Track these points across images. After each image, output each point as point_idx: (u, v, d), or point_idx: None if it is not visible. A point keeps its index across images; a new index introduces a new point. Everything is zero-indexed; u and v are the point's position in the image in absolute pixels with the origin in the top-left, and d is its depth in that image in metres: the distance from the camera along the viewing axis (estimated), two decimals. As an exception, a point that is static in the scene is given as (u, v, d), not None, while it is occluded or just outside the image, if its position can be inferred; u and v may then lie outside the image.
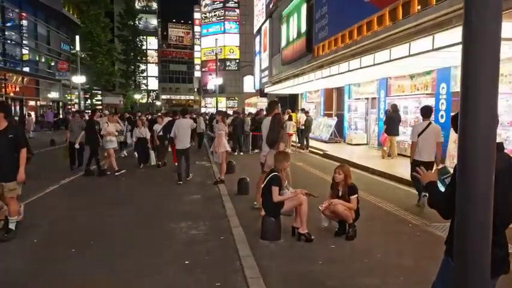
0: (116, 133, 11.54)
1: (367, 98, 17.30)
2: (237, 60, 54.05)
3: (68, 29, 36.01)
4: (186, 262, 4.66)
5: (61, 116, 33.89)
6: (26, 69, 30.96)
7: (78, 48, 28.43)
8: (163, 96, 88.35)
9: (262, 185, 5.59)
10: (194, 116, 20.44)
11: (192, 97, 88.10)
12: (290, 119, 17.40)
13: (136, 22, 51.88)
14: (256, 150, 17.09)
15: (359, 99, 17.98)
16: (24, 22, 30.85)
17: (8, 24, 29.34)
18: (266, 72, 30.62)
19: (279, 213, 5.40)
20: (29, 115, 26.16)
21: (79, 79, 27.01)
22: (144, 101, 70.66)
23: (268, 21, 29.23)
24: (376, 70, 11.70)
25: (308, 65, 17.79)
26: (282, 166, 5.55)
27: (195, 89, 77.94)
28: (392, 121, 12.28)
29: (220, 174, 9.70)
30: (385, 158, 13.15)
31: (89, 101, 36.96)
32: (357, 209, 5.52)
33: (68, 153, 11.55)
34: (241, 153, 16.50)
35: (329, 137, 18.99)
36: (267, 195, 5.42)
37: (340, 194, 5.55)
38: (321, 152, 15.89)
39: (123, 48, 49.61)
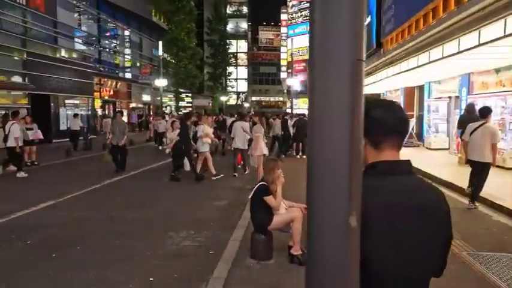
0: (213, 136, 10.90)
1: (450, 97, 15.27)
2: (323, 60, 52.61)
3: (159, 35, 38.26)
4: (151, 279, 4.21)
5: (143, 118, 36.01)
6: (128, 75, 33.46)
7: (160, 53, 29.95)
8: (253, 98, 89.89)
9: (250, 196, 4.90)
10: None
11: (281, 98, 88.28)
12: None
13: (226, 26, 53.48)
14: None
15: (440, 98, 15.96)
16: (119, 31, 33.45)
17: (107, 34, 32.11)
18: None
19: (267, 230, 4.68)
20: (105, 116, 25.92)
21: (161, 82, 28.38)
22: (233, 102, 72.75)
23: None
24: (453, 64, 10.06)
25: (378, 61, 16.27)
26: (272, 176, 4.77)
27: (285, 91, 77.98)
28: (467, 124, 10.49)
29: (257, 179, 9.11)
30: (462, 166, 11.38)
31: (175, 103, 38.74)
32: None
33: (111, 156, 11.43)
34: (297, 156, 15.67)
35: (407, 140, 17.19)
36: (254, 210, 4.73)
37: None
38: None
39: (211, 52, 51.44)
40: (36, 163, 12.79)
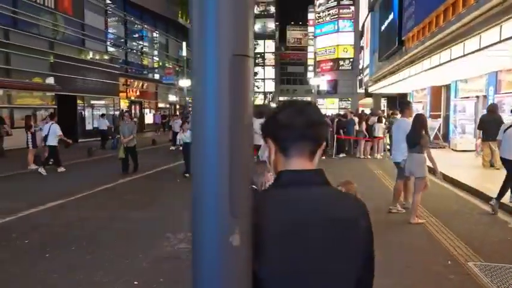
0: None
1: (477, 97, 14.60)
2: (351, 59, 51.79)
3: (185, 36, 38.69)
4: (135, 283, 4.14)
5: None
6: (155, 75, 34.01)
7: (184, 53, 30.24)
8: (281, 98, 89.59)
9: None
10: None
11: (309, 98, 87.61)
12: (380, 120, 15.72)
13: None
14: (341, 155, 15.88)
15: (467, 98, 15.29)
16: (145, 33, 34.05)
17: (134, 36, 32.75)
18: (367, 71, 28.49)
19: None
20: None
21: (185, 82, 28.65)
22: (260, 102, 72.79)
23: (370, 15, 27.10)
24: (477, 62, 9.57)
25: (400, 60, 15.76)
26: (262, 180, 4.59)
27: (312, 90, 77.35)
28: (488, 124, 10.00)
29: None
30: (487, 168, 10.87)
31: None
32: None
33: (124, 155, 11.25)
34: (323, 158, 15.44)
35: (432, 141, 16.58)
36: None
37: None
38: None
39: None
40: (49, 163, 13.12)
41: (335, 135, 16.01)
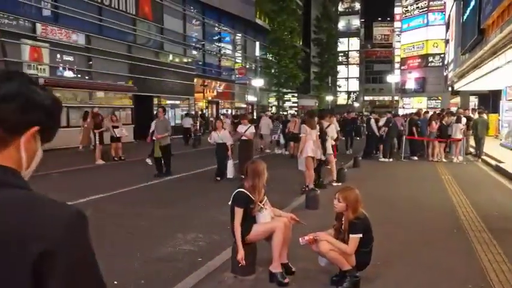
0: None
1: None
2: (442, 55, 47.83)
3: (263, 36, 38.95)
4: (115, 282, 4.00)
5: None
6: (231, 76, 34.84)
7: (257, 53, 30.31)
8: (366, 98, 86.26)
9: (229, 202, 4.35)
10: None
11: (396, 98, 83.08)
12: (458, 120, 14.12)
13: (334, 25, 52.22)
14: (414, 157, 14.57)
15: None
16: (223, 34, 34.89)
17: (213, 38, 33.76)
18: (452, 66, 25.85)
19: (248, 241, 4.11)
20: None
21: (257, 82, 28.72)
22: (343, 102, 70.73)
23: (454, 4, 24.55)
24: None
25: (481, 51, 13.90)
26: (258, 183, 4.12)
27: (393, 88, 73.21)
28: None
29: (306, 181, 8.52)
30: None
31: (276, 103, 39.00)
32: (363, 253, 3.72)
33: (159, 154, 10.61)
34: (391, 160, 14.27)
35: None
36: (232, 219, 4.19)
37: (342, 228, 3.89)
38: (494, 164, 12.22)
39: (318, 51, 50.66)
40: (123, 158, 13.88)
41: (403, 136, 14.79)
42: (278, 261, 3.93)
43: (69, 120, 17.15)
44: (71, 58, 18.12)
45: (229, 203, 4.19)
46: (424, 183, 9.85)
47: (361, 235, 3.66)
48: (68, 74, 17.61)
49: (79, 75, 18.37)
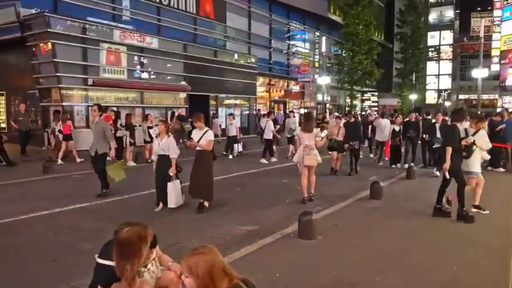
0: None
1: None
2: (553, 46, 41.13)
3: (337, 32, 36.78)
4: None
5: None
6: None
7: (324, 49, 28.39)
8: (461, 96, 78.34)
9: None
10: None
11: (496, 96, 74.23)
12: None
13: (421, 17, 47.84)
14: (500, 169, 11.86)
15: None
16: (292, 31, 33.49)
17: (281, 35, 32.58)
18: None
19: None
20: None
21: (323, 80, 26.85)
22: (433, 101, 64.94)
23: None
24: None
25: None
26: (127, 266, 2.71)
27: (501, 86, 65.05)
28: None
29: (311, 190, 7.94)
30: None
31: (350, 102, 36.49)
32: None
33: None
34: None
35: None
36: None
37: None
38: None
39: (401, 46, 46.79)
40: (150, 161, 13.32)
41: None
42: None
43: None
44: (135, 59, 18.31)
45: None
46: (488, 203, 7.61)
47: None
48: (118, 74, 17.65)
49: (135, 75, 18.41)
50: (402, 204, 7.71)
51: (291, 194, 8.45)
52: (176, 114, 18.74)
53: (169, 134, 7.16)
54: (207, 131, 6.99)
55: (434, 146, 10.81)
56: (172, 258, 3.14)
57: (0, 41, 15.95)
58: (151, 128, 13.22)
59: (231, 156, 14.67)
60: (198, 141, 6.90)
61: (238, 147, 14.80)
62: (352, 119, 12.50)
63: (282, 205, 7.61)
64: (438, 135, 9.99)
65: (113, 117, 12.81)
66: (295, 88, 33.67)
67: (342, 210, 7.17)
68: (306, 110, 30.25)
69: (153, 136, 13.18)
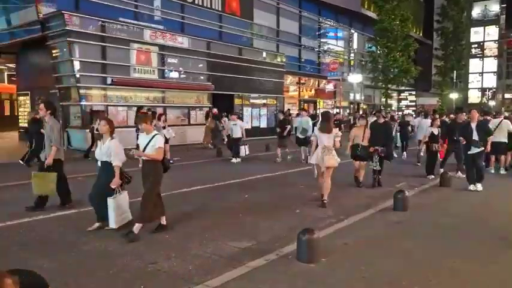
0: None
1: None
2: None
3: (372, 28, 35.17)
4: None
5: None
6: (332, 73, 32.18)
7: (355, 45, 27.01)
8: (507, 95, 73.91)
9: None
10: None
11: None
12: None
13: (463, 12, 45.12)
14: None
15: None
16: (323, 28, 32.27)
17: (313, 32, 31.46)
18: None
19: None
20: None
21: (355, 78, 25.53)
22: (476, 100, 61.45)
23: None
24: None
25: None
26: None
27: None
28: None
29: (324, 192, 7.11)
30: None
31: (384, 101, 34.74)
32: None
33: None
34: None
35: None
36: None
37: None
38: None
39: (441, 43, 44.32)
40: (171, 162, 12.69)
41: None
42: None
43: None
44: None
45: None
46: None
47: None
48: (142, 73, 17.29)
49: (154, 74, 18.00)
50: (430, 217, 6.64)
51: (304, 202, 7.54)
52: (212, 113, 18.34)
53: (113, 136, 5.70)
54: (154, 135, 5.56)
55: (470, 152, 8.81)
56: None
57: (28, 40, 15.96)
58: (163, 128, 12.65)
59: (234, 160, 13.33)
60: (144, 150, 5.49)
61: (245, 150, 13.45)
62: (381, 120, 10.01)
63: (290, 216, 6.71)
64: (475, 137, 8.79)
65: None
66: (329, 87, 32.44)
67: (357, 224, 6.19)
68: (336, 110, 29.02)
69: (167, 137, 12.74)
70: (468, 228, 6.04)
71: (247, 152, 13.47)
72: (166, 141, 12.67)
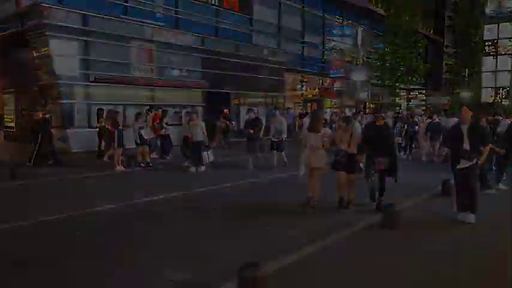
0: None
1: None
2: None
3: (379, 25, 33.82)
4: None
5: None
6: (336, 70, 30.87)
7: (359, 42, 25.76)
8: (523, 95, 71.64)
9: None
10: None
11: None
12: None
13: (478, 7, 43.53)
14: None
15: None
16: (327, 23, 31.00)
17: (317, 28, 30.22)
18: None
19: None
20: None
21: (359, 76, 24.32)
22: (489, 99, 59.60)
23: None
24: None
25: None
26: None
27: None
28: None
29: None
30: None
31: (392, 100, 33.36)
32: None
33: None
34: None
35: None
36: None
37: None
38: None
39: (453, 40, 42.77)
40: (151, 164, 11.69)
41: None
42: None
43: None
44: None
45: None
46: None
47: None
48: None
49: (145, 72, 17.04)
50: (425, 236, 5.52)
51: (278, 216, 6.46)
52: (224, 112, 18.05)
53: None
54: None
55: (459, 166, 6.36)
56: None
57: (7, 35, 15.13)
58: (142, 128, 11.67)
59: (193, 169, 10.84)
60: None
61: (208, 156, 11.11)
62: (381, 121, 7.17)
63: (255, 235, 5.62)
64: (466, 145, 6.28)
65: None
66: (337, 85, 31.14)
67: (333, 247, 5.09)
68: (339, 111, 27.77)
69: (145, 137, 11.77)
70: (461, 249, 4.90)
71: (212, 158, 11.39)
72: (144, 141, 11.77)
